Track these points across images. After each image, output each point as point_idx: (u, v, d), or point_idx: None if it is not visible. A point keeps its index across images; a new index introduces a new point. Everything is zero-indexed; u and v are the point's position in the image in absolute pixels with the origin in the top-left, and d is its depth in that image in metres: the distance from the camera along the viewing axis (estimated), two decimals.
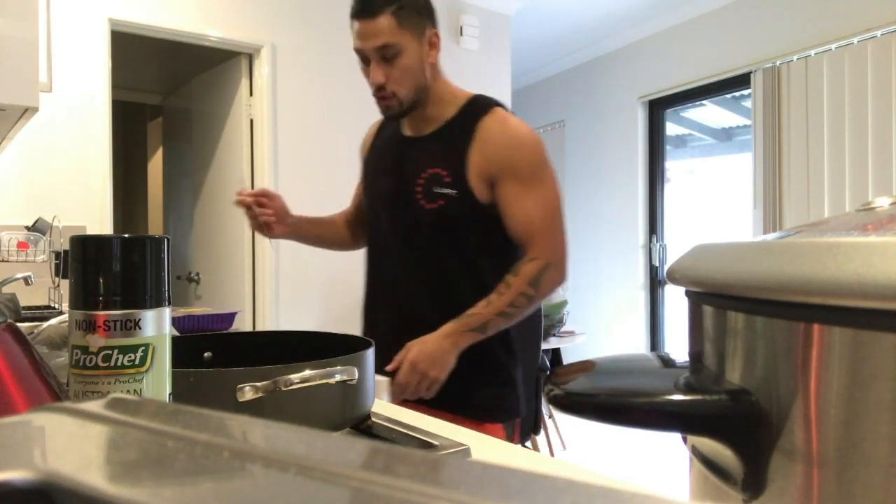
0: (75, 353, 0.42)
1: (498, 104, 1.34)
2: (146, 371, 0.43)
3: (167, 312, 0.45)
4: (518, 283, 1.25)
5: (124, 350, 0.42)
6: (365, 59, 1.28)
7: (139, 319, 0.42)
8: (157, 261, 0.44)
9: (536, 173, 1.28)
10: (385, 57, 1.25)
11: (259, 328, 3.43)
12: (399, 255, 1.36)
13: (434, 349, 1.20)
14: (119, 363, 0.42)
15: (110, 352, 0.41)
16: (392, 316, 1.38)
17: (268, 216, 1.40)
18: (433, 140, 1.34)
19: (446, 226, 1.31)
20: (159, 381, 0.43)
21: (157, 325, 0.43)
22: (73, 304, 0.43)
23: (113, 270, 0.42)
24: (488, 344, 1.27)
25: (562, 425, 3.74)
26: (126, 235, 0.44)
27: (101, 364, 0.41)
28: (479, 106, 1.34)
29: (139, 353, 0.42)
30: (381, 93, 1.29)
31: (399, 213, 1.35)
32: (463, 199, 1.28)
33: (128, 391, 0.42)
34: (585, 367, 0.45)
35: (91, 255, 0.43)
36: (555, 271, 1.28)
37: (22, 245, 2.52)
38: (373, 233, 1.44)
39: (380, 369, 1.18)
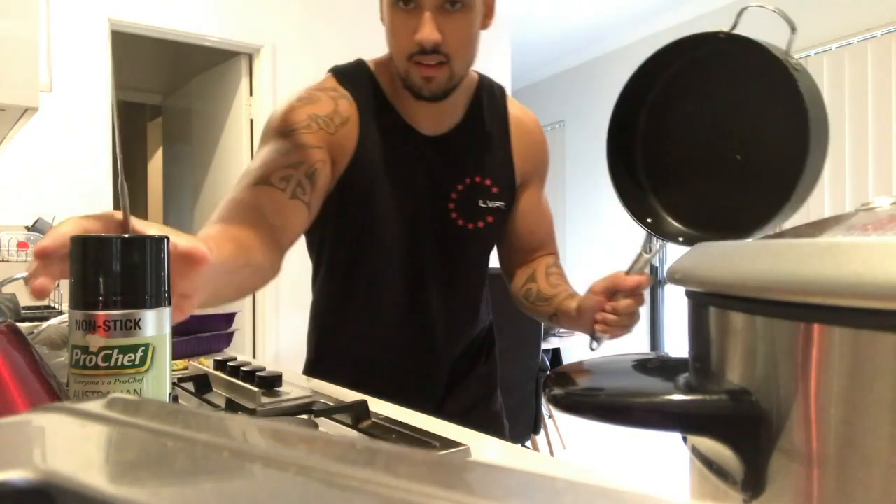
0: (75, 353, 0.42)
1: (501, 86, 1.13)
2: (146, 371, 0.42)
3: (167, 312, 0.45)
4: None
5: (124, 350, 0.42)
6: (415, 5, 0.88)
7: (139, 319, 0.42)
8: (157, 261, 0.43)
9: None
10: (452, 4, 0.88)
11: (259, 327, 3.44)
12: (434, 286, 1.04)
13: None
14: (119, 363, 0.42)
15: (110, 352, 0.41)
16: (420, 360, 1.07)
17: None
18: (458, 138, 1.02)
19: (486, 249, 1.08)
20: (159, 381, 0.43)
21: (157, 325, 0.43)
22: (73, 304, 0.42)
23: (113, 270, 0.42)
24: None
25: (562, 425, 3.74)
26: (126, 235, 0.44)
27: (101, 364, 0.41)
28: (494, 90, 1.08)
29: (139, 353, 0.42)
30: (429, 58, 0.89)
31: (433, 235, 1.03)
32: (507, 213, 1.06)
33: (128, 391, 0.42)
34: (585, 367, 0.45)
35: (91, 255, 0.42)
36: None
37: (22, 245, 2.52)
38: (391, 256, 1.03)
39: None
